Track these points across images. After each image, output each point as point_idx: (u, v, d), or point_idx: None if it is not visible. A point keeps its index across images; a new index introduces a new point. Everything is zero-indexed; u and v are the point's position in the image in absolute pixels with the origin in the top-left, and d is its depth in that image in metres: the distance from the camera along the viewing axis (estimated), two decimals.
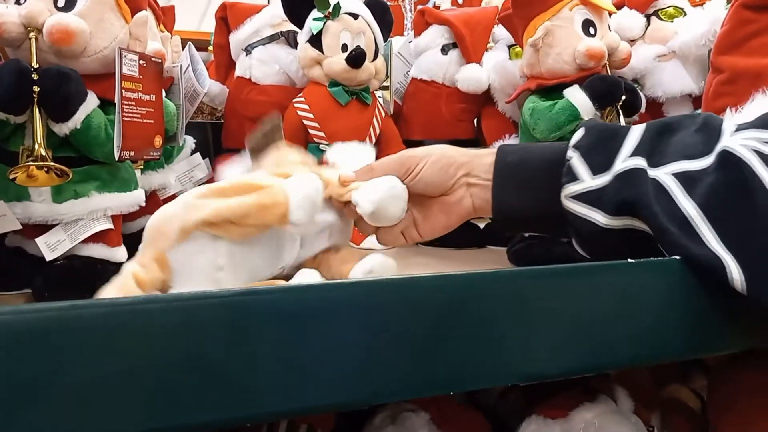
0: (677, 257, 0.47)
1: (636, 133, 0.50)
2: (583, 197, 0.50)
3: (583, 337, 0.44)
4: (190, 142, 1.05)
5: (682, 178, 0.45)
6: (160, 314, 0.32)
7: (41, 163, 0.59)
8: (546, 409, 0.75)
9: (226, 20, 1.12)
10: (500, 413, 0.86)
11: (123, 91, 0.65)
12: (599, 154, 0.50)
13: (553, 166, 0.53)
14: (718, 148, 0.44)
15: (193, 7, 3.27)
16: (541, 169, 0.54)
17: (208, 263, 0.46)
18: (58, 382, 0.31)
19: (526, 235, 0.88)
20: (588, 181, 0.50)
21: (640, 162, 0.47)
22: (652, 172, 0.46)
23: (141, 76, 0.67)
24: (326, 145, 0.95)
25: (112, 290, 0.43)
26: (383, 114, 1.02)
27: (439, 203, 0.58)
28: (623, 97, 0.82)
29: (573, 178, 0.51)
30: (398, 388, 0.39)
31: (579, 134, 0.52)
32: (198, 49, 1.00)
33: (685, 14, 0.97)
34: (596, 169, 0.50)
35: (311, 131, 0.96)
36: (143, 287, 0.44)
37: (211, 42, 1.27)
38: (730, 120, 0.47)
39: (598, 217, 0.50)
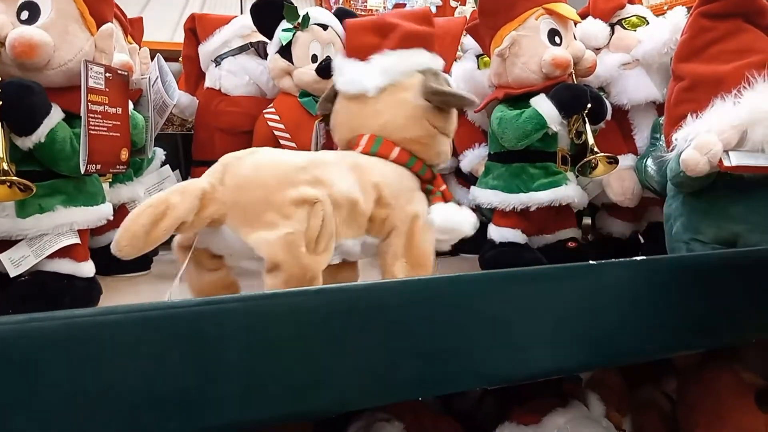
0: (639, 257, 0.48)
1: None
2: None
3: (550, 339, 0.45)
4: (159, 153, 1.04)
5: None
6: (120, 325, 0.32)
7: (4, 178, 0.58)
8: (519, 414, 0.76)
9: (195, 31, 1.11)
10: (476, 420, 0.86)
11: (89, 104, 0.64)
12: None
13: None
14: None
15: (167, 17, 3.25)
16: None
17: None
18: (18, 395, 0.30)
19: (497, 241, 0.88)
20: None
21: None
22: None
23: (107, 89, 0.67)
24: None
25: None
26: None
27: None
28: (589, 105, 0.83)
29: None
30: (366, 394, 0.39)
31: None
32: (172, 59, 1.00)
33: (648, 23, 0.99)
34: None
35: (282, 141, 0.95)
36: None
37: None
38: None
39: None
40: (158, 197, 0.49)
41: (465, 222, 0.65)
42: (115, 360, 0.32)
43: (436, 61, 0.69)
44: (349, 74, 0.66)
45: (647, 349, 0.49)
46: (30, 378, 0.31)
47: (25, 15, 0.62)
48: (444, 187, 0.68)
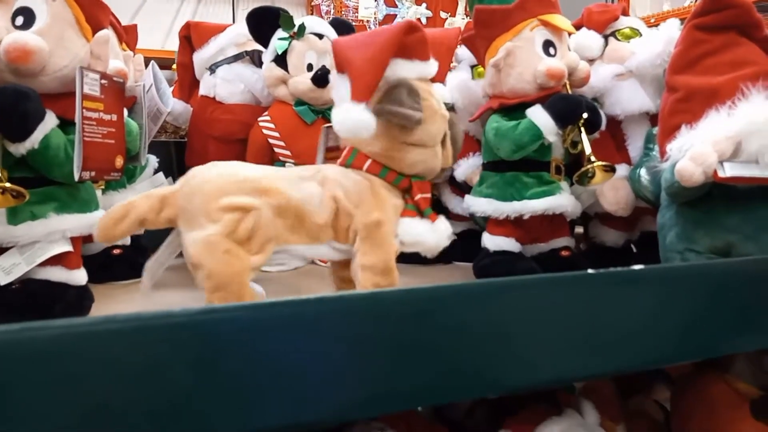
0: (638, 267, 0.48)
1: None
2: None
3: (551, 348, 0.44)
4: (153, 161, 1.04)
5: None
6: (117, 335, 0.31)
7: None
8: (513, 424, 0.76)
9: (190, 39, 1.11)
10: (468, 429, 0.86)
11: (84, 110, 0.63)
12: None
13: None
14: None
15: (158, 25, 3.25)
16: None
17: None
18: (10, 406, 0.30)
19: (491, 250, 0.88)
20: None
21: None
22: None
23: (102, 96, 0.66)
24: (292, 163, 0.94)
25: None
26: None
27: None
28: (585, 115, 0.84)
29: None
30: (365, 404, 0.39)
31: None
32: (162, 67, 1.00)
33: (641, 35, 0.99)
34: None
35: (277, 150, 0.95)
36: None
37: (175, 60, 1.26)
38: None
39: None
40: (127, 200, 0.60)
41: (428, 234, 0.66)
42: (112, 371, 0.31)
43: (411, 70, 0.69)
44: (335, 91, 0.71)
45: (646, 359, 0.49)
46: (24, 390, 0.30)
47: (20, 21, 0.62)
48: (419, 196, 0.67)
